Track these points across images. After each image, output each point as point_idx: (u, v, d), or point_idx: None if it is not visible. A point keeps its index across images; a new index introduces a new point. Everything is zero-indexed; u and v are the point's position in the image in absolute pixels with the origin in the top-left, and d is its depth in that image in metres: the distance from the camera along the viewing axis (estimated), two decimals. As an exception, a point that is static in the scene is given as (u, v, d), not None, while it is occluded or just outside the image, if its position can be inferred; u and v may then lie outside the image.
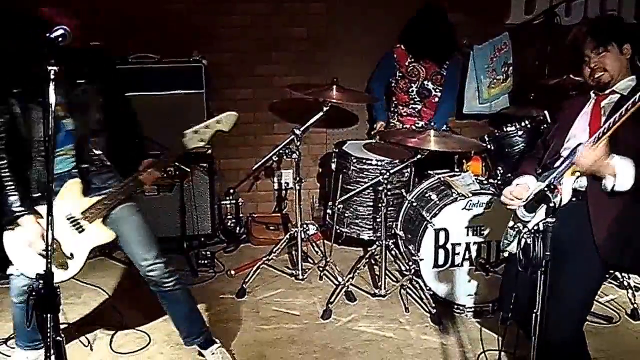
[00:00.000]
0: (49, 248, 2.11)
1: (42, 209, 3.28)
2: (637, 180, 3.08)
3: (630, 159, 3.06)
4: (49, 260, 2.09)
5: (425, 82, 5.54)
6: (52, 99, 2.20)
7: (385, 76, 5.68)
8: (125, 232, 3.49)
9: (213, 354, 3.84)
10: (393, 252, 4.83)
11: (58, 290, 2.09)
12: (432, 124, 4.96)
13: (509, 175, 4.53)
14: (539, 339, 2.81)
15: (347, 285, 4.69)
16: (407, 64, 5.53)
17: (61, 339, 2.12)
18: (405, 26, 5.58)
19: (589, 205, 3.18)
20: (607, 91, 3.30)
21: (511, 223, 3.43)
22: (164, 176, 3.44)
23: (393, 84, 5.65)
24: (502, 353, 3.59)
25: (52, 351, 2.08)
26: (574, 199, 3.13)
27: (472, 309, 4.52)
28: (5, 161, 3.21)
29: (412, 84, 5.55)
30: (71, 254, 3.35)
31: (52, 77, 2.17)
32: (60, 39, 2.29)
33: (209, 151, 5.37)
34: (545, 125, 4.76)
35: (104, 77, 3.41)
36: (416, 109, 5.60)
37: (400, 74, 5.59)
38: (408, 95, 5.58)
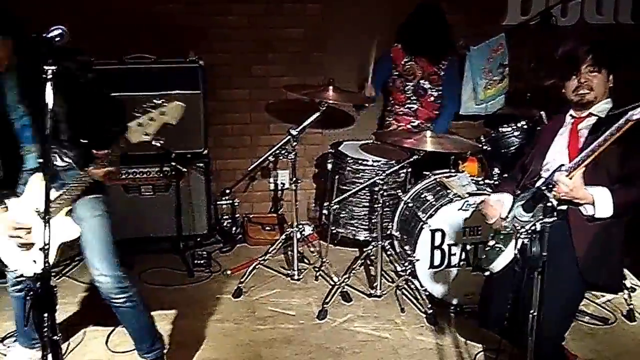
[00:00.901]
0: (46, 247, 2.10)
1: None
2: (615, 204, 3.16)
3: (607, 188, 3.16)
4: (47, 260, 2.09)
5: (422, 82, 5.54)
6: (50, 100, 2.19)
7: (383, 76, 5.64)
8: (83, 233, 3.28)
9: None
10: (389, 253, 4.84)
11: (55, 289, 2.09)
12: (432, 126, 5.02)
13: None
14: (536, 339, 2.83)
15: (342, 285, 4.70)
16: (402, 63, 5.53)
17: (58, 338, 2.12)
18: (403, 23, 5.58)
19: (569, 223, 3.24)
20: (584, 114, 3.40)
21: (491, 242, 3.46)
22: (112, 170, 3.15)
23: (390, 84, 5.64)
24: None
25: (48, 350, 2.08)
26: (556, 219, 3.17)
27: (469, 310, 4.52)
28: None
29: (408, 83, 5.55)
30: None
31: (49, 76, 2.17)
32: (57, 38, 2.29)
33: (205, 151, 5.37)
34: (538, 128, 4.76)
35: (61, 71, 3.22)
36: (412, 109, 5.59)
37: (397, 73, 5.59)
38: (404, 94, 5.59)
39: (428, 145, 4.41)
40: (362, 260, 4.89)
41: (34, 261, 3.20)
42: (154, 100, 2.94)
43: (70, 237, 3.22)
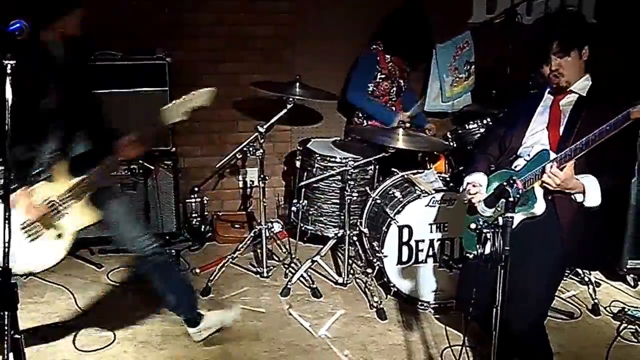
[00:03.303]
0: (6, 243, 2.08)
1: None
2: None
3: (593, 176, 3.15)
4: (6, 256, 2.06)
5: (400, 80, 5.55)
6: (9, 94, 2.16)
7: (367, 80, 5.49)
8: (113, 211, 3.62)
9: None
10: (357, 249, 4.87)
11: (16, 287, 2.07)
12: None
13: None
14: (500, 333, 2.83)
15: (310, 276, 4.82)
16: (387, 62, 5.48)
17: (19, 337, 2.09)
18: (385, 21, 5.55)
19: (555, 204, 3.23)
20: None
21: (473, 225, 3.43)
22: (143, 152, 3.52)
23: (372, 88, 5.49)
24: (465, 349, 3.62)
25: (9, 349, 2.06)
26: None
27: (436, 306, 4.55)
28: None
29: (393, 84, 5.50)
30: (59, 235, 3.44)
31: (9, 71, 2.14)
32: (17, 32, 2.26)
33: (173, 149, 5.34)
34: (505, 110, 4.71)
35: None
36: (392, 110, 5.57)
37: (383, 76, 5.47)
38: (388, 97, 5.54)
39: (400, 143, 4.45)
40: (326, 252, 4.99)
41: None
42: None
43: (85, 223, 3.49)
